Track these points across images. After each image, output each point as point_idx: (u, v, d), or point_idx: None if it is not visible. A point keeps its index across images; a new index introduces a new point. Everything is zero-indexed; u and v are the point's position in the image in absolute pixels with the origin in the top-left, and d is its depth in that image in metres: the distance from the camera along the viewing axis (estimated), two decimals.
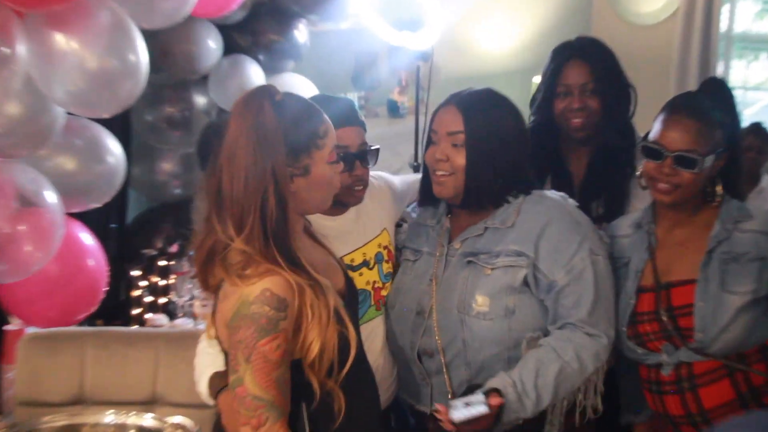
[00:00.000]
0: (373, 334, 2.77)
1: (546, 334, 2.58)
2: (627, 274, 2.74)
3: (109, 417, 2.07)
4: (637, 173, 2.77)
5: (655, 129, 2.67)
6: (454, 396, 2.58)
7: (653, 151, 2.64)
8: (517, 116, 2.70)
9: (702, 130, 2.61)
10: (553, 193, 2.73)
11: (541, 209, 2.64)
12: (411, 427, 2.90)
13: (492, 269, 2.60)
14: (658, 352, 2.66)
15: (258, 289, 2.10)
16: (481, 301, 2.59)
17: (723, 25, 6.76)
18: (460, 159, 2.61)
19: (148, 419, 2.05)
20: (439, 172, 2.64)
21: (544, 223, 2.60)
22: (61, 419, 2.06)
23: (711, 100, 2.71)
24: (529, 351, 2.52)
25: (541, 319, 2.59)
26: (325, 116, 2.25)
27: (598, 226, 2.80)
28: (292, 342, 2.14)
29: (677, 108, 2.68)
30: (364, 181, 2.72)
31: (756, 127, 5.35)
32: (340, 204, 2.67)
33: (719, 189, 2.67)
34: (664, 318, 2.64)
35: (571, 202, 2.72)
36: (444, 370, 2.63)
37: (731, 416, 2.58)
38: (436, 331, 2.63)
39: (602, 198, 3.11)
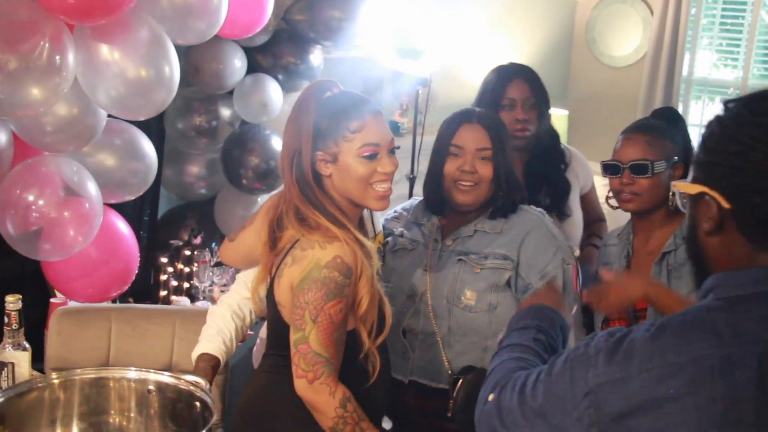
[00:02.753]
0: None
1: None
2: None
3: (132, 373, 2.06)
4: (607, 195, 2.81)
5: (613, 152, 2.73)
6: (453, 373, 2.61)
7: (612, 167, 2.69)
8: None
9: (651, 141, 2.65)
10: (533, 209, 2.75)
11: (524, 220, 2.67)
12: None
13: (481, 269, 2.61)
14: None
15: (330, 255, 2.12)
16: (469, 295, 2.61)
17: (684, 70, 6.79)
18: (486, 171, 2.63)
19: (165, 376, 2.04)
20: (466, 183, 2.63)
21: (526, 233, 2.63)
22: (90, 373, 2.05)
23: (660, 120, 2.78)
24: None
25: None
26: (368, 116, 2.22)
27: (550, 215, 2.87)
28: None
29: (629, 129, 2.75)
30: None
31: None
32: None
33: (671, 195, 2.66)
34: (631, 317, 2.66)
35: (548, 218, 2.75)
36: (441, 348, 2.64)
37: None
38: (431, 315, 2.63)
39: (544, 191, 3.19)
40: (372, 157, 2.21)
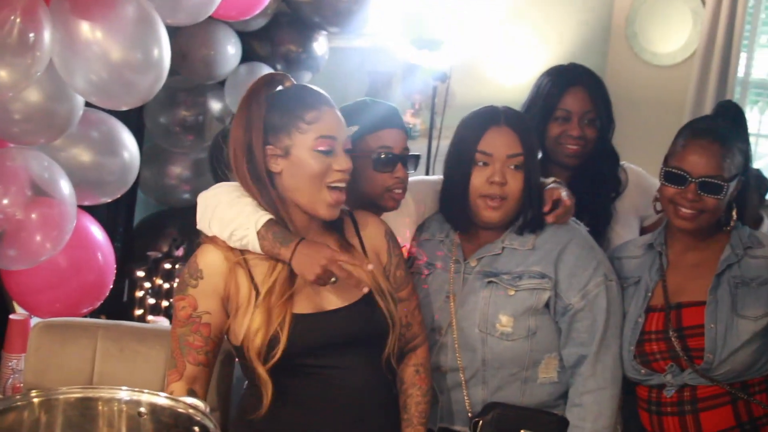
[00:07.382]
0: None
1: (560, 355, 2.65)
2: (636, 293, 2.77)
3: (123, 393, 2.08)
4: (655, 196, 2.80)
5: (677, 154, 2.69)
6: (473, 415, 2.63)
7: (676, 177, 2.66)
8: None
9: (726, 155, 2.63)
10: None
11: (560, 233, 2.68)
12: None
13: (516, 290, 2.62)
14: (662, 372, 2.69)
15: (194, 255, 2.37)
16: (505, 322, 2.62)
17: (740, 70, 6.84)
18: (517, 182, 2.61)
19: (161, 398, 2.06)
20: (495, 197, 2.61)
21: (563, 247, 2.65)
22: (76, 392, 2.07)
23: (728, 124, 2.74)
24: None
25: (557, 340, 2.65)
26: (325, 107, 2.31)
27: None
28: (224, 320, 2.34)
29: (699, 132, 2.69)
30: (405, 185, 2.65)
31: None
32: (375, 209, 2.64)
33: (734, 214, 2.71)
34: (673, 338, 2.67)
35: (583, 227, 2.77)
36: (463, 387, 2.66)
37: None
38: (456, 348, 2.65)
39: (584, 219, 3.00)
40: (328, 152, 2.29)
